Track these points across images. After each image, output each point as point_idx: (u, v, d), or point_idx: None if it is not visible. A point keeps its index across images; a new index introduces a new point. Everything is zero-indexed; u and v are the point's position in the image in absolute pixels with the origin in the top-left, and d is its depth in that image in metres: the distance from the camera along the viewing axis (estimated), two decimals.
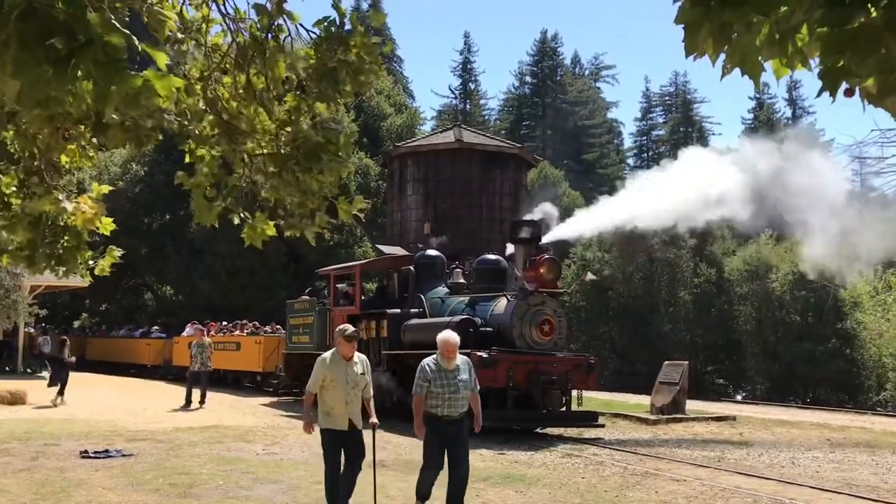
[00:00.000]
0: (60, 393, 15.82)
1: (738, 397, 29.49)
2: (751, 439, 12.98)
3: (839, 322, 28.41)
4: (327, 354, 6.48)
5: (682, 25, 1.91)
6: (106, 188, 4.54)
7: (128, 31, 1.97)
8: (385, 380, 13.96)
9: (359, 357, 6.50)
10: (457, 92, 74.07)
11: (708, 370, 32.83)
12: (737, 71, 1.97)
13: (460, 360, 6.51)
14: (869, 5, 1.74)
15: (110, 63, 1.92)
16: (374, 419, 6.48)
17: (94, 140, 3.80)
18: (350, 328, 6.50)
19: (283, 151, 3.57)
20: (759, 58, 1.92)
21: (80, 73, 1.89)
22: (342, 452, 6.41)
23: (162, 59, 2.33)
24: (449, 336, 6.48)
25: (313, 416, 6.56)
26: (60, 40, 1.84)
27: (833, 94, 1.87)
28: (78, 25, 1.85)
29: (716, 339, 32.47)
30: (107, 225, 4.29)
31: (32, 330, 27.81)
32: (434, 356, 6.48)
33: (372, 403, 6.56)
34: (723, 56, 1.93)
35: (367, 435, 6.46)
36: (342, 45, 3.55)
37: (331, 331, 16.45)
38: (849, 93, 1.89)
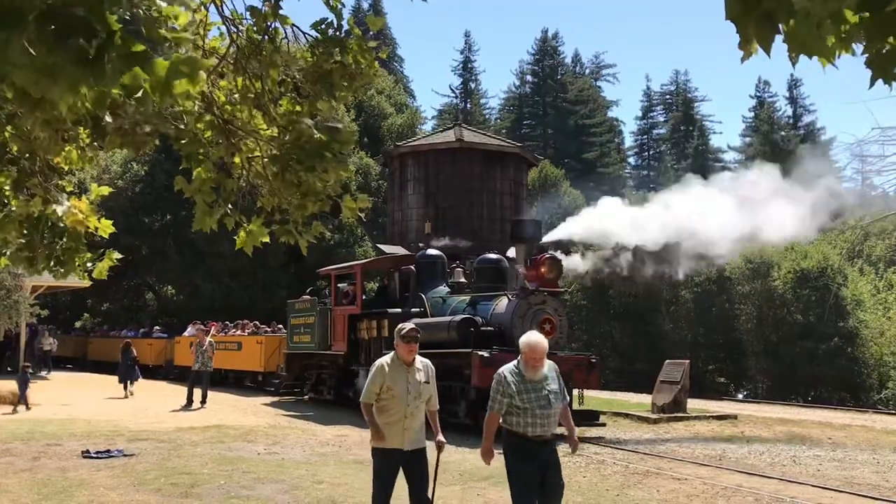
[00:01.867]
0: (130, 386, 18.65)
1: (740, 396, 29.50)
2: (752, 438, 12.98)
3: (841, 321, 28.38)
4: (386, 358, 5.36)
5: (733, 22, 1.81)
6: (105, 189, 4.44)
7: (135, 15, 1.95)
8: None
9: (421, 362, 5.38)
10: (457, 91, 74.26)
11: (709, 369, 32.82)
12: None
13: (547, 365, 5.23)
14: None
15: (136, 54, 1.90)
16: (440, 437, 5.39)
17: (93, 142, 3.78)
18: (408, 326, 5.38)
19: (284, 153, 3.52)
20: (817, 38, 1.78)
21: (110, 68, 1.87)
22: (398, 477, 5.30)
23: (183, 18, 2.30)
24: (537, 339, 5.17)
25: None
26: (84, 40, 1.82)
27: (887, 80, 1.73)
28: (99, 22, 1.83)
29: (717, 338, 32.46)
30: (105, 227, 4.15)
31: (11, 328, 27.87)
32: (513, 363, 5.24)
33: (437, 417, 5.48)
34: (784, 47, 1.80)
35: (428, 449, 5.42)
36: (339, 48, 3.53)
37: (332, 330, 16.49)
38: None
